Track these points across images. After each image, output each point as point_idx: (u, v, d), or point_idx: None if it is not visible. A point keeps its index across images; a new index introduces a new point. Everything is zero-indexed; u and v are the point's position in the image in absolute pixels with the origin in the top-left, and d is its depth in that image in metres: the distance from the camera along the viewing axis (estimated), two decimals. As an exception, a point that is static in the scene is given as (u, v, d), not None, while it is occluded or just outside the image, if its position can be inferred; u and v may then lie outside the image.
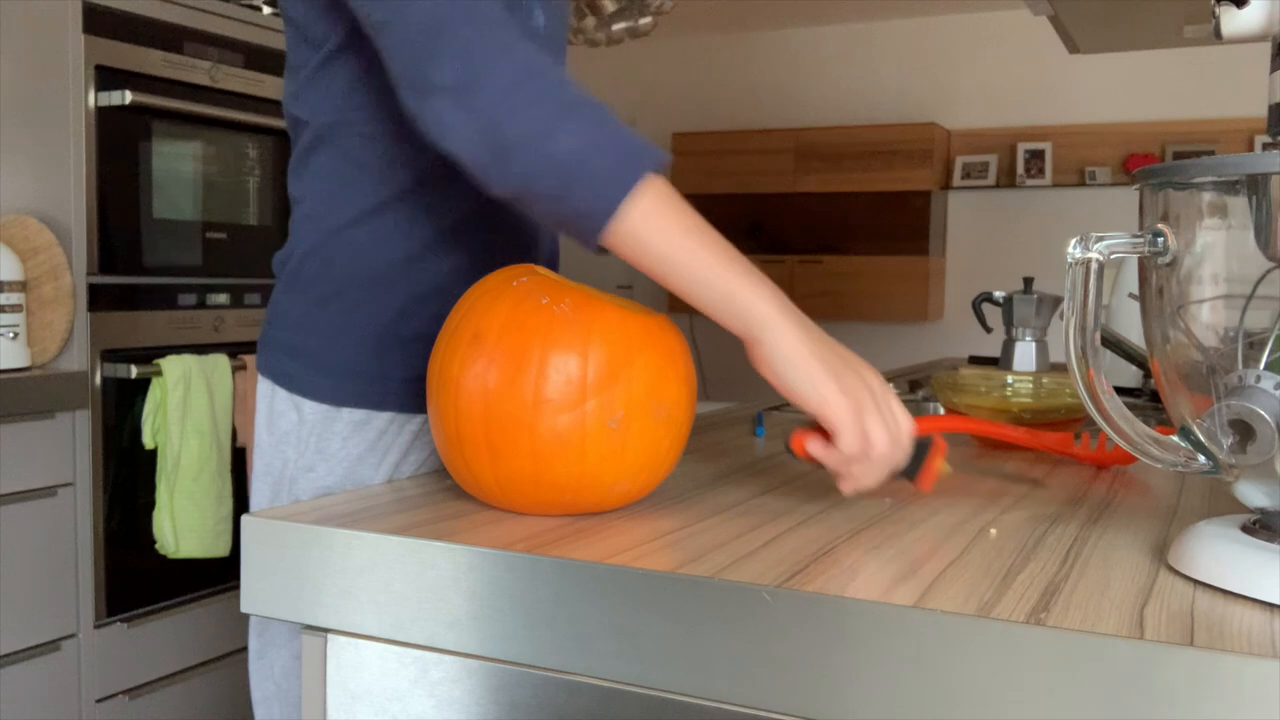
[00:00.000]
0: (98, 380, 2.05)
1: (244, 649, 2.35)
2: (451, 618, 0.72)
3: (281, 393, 1.05)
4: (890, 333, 5.45)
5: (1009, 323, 1.78)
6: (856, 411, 0.79)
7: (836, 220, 5.26)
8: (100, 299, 2.05)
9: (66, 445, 2.01)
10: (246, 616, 2.24)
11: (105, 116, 2.04)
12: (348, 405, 1.03)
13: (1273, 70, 0.71)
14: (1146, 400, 1.63)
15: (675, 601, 0.65)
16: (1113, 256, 0.66)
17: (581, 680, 0.69)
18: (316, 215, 1.03)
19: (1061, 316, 0.67)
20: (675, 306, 5.60)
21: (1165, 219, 0.66)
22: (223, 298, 2.29)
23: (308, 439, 1.03)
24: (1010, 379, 1.33)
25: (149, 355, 2.10)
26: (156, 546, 2.07)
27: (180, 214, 2.21)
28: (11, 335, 1.94)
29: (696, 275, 0.81)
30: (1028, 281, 1.80)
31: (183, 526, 2.07)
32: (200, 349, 2.19)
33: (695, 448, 1.13)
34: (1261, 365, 0.62)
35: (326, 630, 0.78)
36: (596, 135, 0.81)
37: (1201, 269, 0.65)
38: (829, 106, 5.54)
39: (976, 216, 5.27)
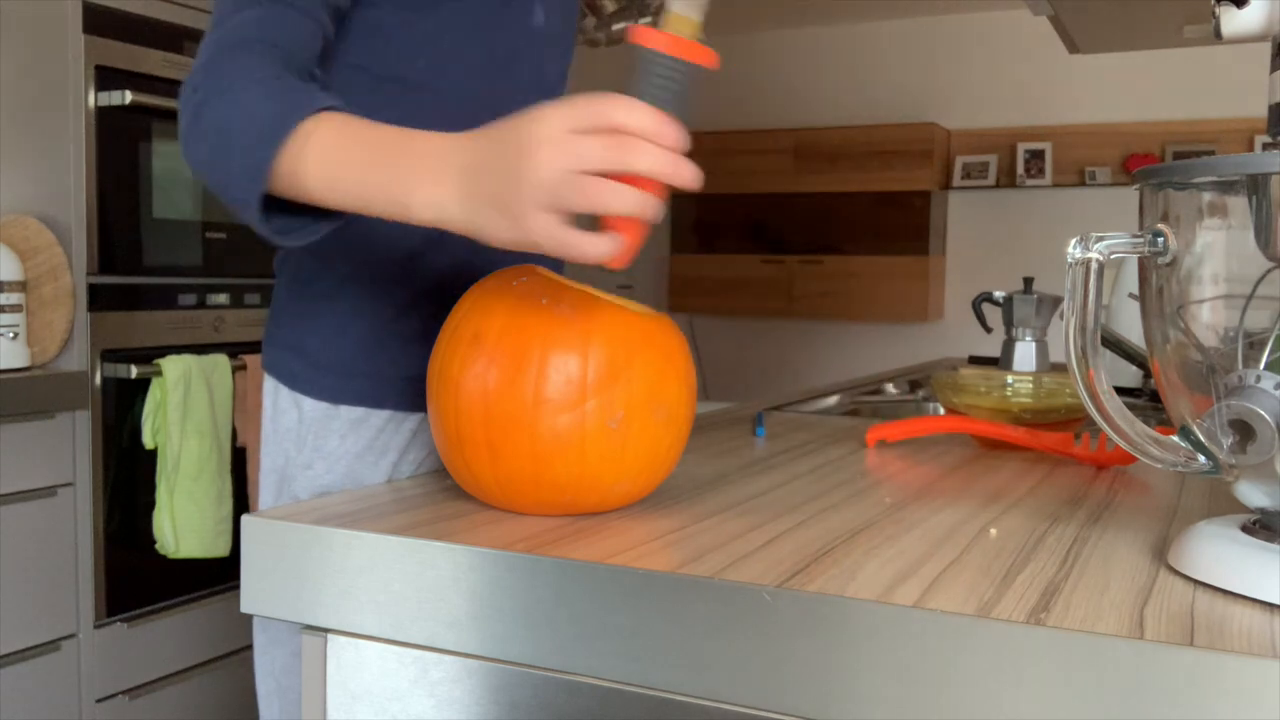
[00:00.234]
0: (98, 380, 2.05)
1: (244, 649, 2.35)
2: (451, 618, 0.72)
3: (284, 390, 1.05)
4: (890, 333, 5.45)
5: (1009, 323, 1.77)
6: (555, 218, 0.70)
7: (836, 220, 5.26)
8: (100, 299, 2.05)
9: (66, 445, 2.01)
10: (246, 616, 2.24)
11: (105, 116, 2.04)
12: (346, 403, 1.03)
13: (1273, 70, 0.71)
14: (1146, 400, 1.63)
15: (675, 601, 0.65)
16: (1113, 256, 0.66)
17: (581, 680, 0.69)
18: None
19: (1061, 316, 0.67)
20: (675, 306, 5.60)
21: (1165, 219, 0.66)
22: (223, 298, 2.29)
23: (306, 436, 1.03)
24: (1010, 379, 1.33)
25: (149, 355, 2.10)
26: (156, 546, 2.07)
27: (180, 214, 2.21)
28: (11, 335, 1.94)
29: (366, 202, 0.79)
30: (1028, 281, 1.80)
31: (183, 526, 2.07)
32: (200, 349, 2.19)
33: (695, 448, 1.13)
34: (1261, 365, 0.62)
35: (326, 630, 0.78)
36: (222, 141, 0.82)
37: (1201, 269, 0.65)
38: (829, 106, 5.54)
39: (976, 216, 5.27)
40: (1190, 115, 4.82)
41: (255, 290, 2.36)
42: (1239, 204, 0.63)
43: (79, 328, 2.03)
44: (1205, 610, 0.61)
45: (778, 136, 5.36)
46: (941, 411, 1.51)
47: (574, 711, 0.69)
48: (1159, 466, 0.68)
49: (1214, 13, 0.74)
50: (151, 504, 2.09)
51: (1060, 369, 1.75)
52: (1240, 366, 0.63)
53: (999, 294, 1.80)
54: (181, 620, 2.22)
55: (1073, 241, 0.66)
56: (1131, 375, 1.68)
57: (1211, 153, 4.66)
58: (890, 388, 1.92)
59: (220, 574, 2.29)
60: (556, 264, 1.15)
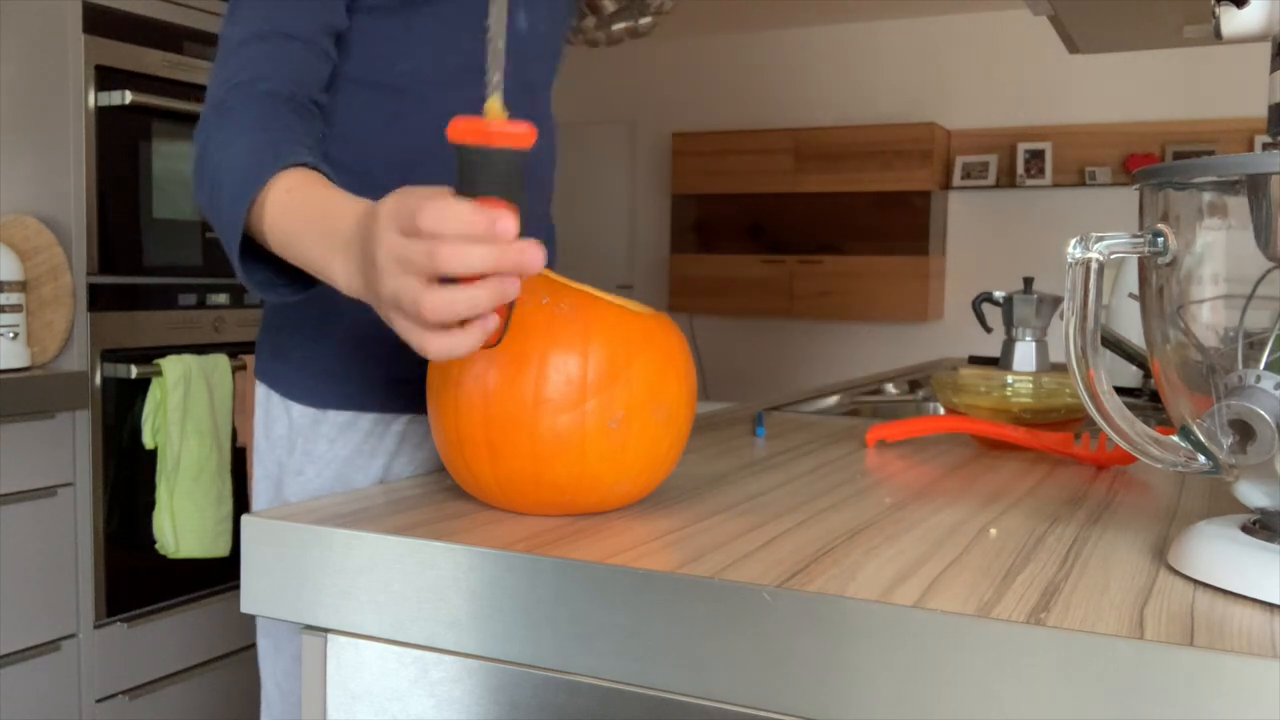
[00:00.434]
0: (98, 380, 2.05)
1: (244, 649, 2.36)
2: (451, 618, 0.72)
3: (275, 397, 1.05)
4: (890, 333, 5.45)
5: (1009, 323, 1.77)
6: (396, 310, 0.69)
7: (836, 220, 5.26)
8: (100, 299, 2.05)
9: (66, 445, 2.01)
10: (246, 616, 2.24)
11: (105, 116, 2.04)
12: (332, 407, 1.03)
13: (1273, 70, 0.71)
14: (1146, 400, 1.63)
15: (675, 601, 0.65)
16: (1113, 256, 0.66)
17: (581, 680, 0.69)
18: None
19: (1061, 316, 0.67)
20: (675, 306, 5.61)
21: (1165, 219, 0.66)
22: (223, 298, 2.29)
23: (296, 441, 1.03)
24: (1010, 379, 1.33)
25: (149, 355, 2.10)
26: (156, 546, 2.07)
27: (180, 214, 2.21)
28: (11, 335, 1.94)
29: (308, 266, 0.81)
30: (1028, 281, 1.80)
31: (183, 526, 2.07)
32: (200, 349, 2.19)
33: (695, 448, 1.13)
34: (1261, 365, 0.62)
35: (326, 630, 0.78)
36: (209, 211, 0.87)
37: (1201, 269, 0.65)
38: (829, 106, 5.54)
39: (976, 216, 5.27)
40: (1190, 115, 4.83)
41: (255, 290, 2.36)
42: (1239, 204, 0.63)
43: (79, 328, 2.03)
44: (1205, 610, 0.61)
45: (778, 136, 5.36)
46: (941, 411, 1.51)
47: (574, 711, 0.69)
48: (1159, 466, 0.68)
49: (1214, 13, 0.74)
50: (151, 504, 2.09)
51: (1060, 369, 1.75)
52: (1240, 366, 0.63)
53: (999, 294, 1.80)
54: (181, 620, 2.22)
55: (1073, 241, 0.66)
56: (1131, 375, 1.68)
57: (1211, 153, 4.66)
58: (890, 388, 1.92)
59: (220, 574, 2.29)
60: (551, 263, 1.15)
